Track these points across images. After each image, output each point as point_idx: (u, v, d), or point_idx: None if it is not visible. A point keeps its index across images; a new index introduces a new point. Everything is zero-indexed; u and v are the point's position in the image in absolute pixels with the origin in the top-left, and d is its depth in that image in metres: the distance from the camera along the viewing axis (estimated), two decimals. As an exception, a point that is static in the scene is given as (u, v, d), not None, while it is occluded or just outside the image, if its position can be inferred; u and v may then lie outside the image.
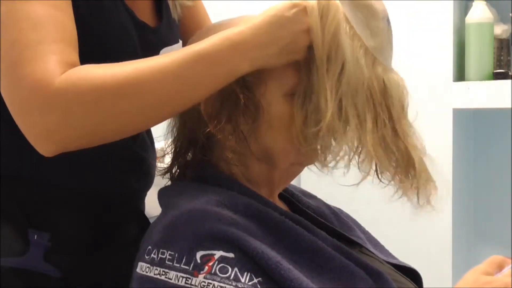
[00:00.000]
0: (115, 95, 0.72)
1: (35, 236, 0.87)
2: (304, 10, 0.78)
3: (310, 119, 0.79)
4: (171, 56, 0.75)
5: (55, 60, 0.72)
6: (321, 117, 0.77)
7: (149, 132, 1.04)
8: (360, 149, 0.79)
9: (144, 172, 1.00)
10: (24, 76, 0.71)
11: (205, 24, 1.11)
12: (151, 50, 0.94)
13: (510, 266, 0.81)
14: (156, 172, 1.01)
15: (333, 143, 0.79)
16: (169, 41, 0.99)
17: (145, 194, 1.05)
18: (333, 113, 0.76)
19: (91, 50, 0.85)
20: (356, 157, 0.79)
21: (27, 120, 0.73)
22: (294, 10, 0.77)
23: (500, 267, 0.82)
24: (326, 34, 0.78)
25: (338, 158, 0.80)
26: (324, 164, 0.82)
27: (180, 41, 1.03)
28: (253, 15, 0.80)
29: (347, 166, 0.80)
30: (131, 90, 0.72)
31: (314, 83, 0.79)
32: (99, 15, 0.86)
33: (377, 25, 0.81)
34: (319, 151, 0.80)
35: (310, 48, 0.79)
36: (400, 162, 0.79)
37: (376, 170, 0.80)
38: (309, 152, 0.81)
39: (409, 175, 0.80)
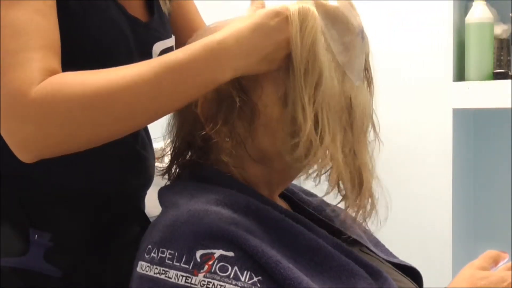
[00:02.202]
0: (88, 105, 0.71)
1: (36, 236, 0.87)
2: (287, 19, 0.77)
3: (292, 130, 0.78)
4: (148, 64, 0.73)
5: (34, 67, 0.72)
6: (297, 128, 0.77)
7: (147, 131, 1.04)
8: (330, 163, 0.78)
9: (144, 171, 1.00)
10: (3, 84, 0.71)
11: (196, 22, 1.11)
12: (145, 45, 0.94)
13: (505, 260, 0.82)
14: (155, 172, 1.01)
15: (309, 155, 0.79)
16: (162, 36, 0.99)
17: (145, 193, 1.05)
18: (311, 126, 0.76)
19: (85, 48, 0.85)
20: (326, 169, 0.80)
21: (5, 128, 0.73)
22: (277, 19, 0.76)
23: (495, 262, 0.83)
24: (304, 45, 0.77)
25: (310, 170, 0.80)
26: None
27: (173, 36, 1.02)
28: (240, 18, 0.79)
29: (319, 177, 0.81)
30: (104, 100, 0.71)
31: (292, 93, 0.78)
32: (91, 13, 0.86)
33: (351, 41, 0.80)
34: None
35: (290, 56, 0.78)
36: (353, 179, 0.80)
37: (338, 184, 0.80)
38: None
39: (355, 192, 0.80)
